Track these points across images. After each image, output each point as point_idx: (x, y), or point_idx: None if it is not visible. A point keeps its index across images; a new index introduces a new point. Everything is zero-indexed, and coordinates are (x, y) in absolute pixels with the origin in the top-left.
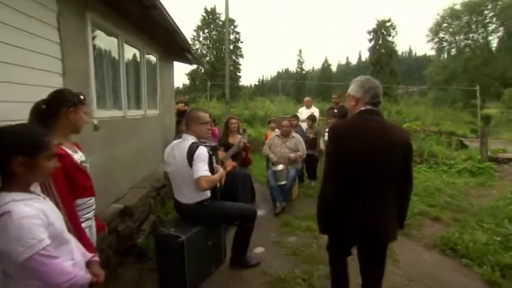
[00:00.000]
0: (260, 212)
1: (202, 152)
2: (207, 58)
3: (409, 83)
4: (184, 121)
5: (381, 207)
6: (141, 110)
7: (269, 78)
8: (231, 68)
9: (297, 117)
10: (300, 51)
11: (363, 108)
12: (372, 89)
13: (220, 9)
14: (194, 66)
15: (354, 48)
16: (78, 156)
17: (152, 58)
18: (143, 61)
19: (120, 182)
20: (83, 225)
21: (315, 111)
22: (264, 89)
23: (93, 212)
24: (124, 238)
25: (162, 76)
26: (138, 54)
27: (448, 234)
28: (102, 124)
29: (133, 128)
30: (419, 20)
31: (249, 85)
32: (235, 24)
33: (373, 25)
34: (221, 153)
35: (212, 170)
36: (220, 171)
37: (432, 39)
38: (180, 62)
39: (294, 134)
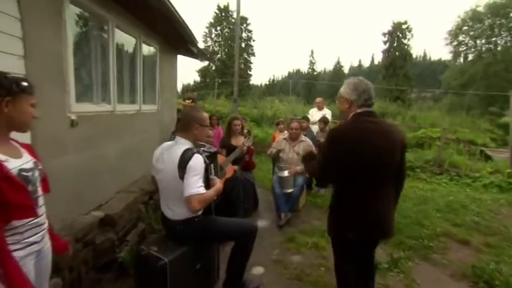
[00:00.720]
0: (262, 223)
1: (198, 162)
2: (219, 55)
3: (422, 88)
4: (180, 121)
5: (390, 206)
6: (136, 105)
7: (280, 78)
8: (242, 66)
9: (307, 119)
10: (312, 51)
11: (359, 111)
12: (366, 91)
13: (233, 7)
14: (205, 63)
15: (367, 50)
16: (18, 164)
17: (151, 49)
18: (139, 51)
19: (104, 186)
20: (24, 252)
21: (327, 113)
22: (274, 88)
23: (42, 232)
24: (103, 252)
25: (162, 69)
26: (133, 43)
27: (480, 263)
28: (82, 119)
29: (125, 125)
30: (434, 23)
31: (259, 84)
32: (248, 22)
33: (388, 27)
34: (221, 157)
35: (208, 183)
36: (217, 184)
37: (451, 43)
38: (184, 55)
39: (303, 138)
